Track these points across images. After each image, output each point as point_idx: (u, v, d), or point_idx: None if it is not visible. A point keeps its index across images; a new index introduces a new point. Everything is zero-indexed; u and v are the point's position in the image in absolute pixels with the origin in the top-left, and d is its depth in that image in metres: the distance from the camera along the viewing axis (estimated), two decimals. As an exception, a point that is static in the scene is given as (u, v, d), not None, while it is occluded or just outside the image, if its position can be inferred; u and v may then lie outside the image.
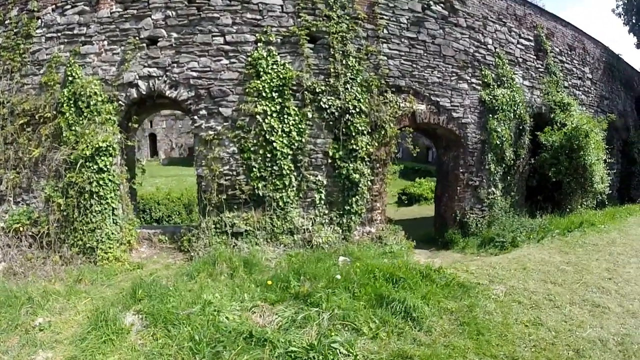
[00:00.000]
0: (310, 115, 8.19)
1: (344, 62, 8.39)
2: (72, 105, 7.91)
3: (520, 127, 10.87)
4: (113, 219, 7.94)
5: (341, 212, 8.56)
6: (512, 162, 10.70)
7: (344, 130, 8.39)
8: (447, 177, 10.66)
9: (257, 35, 8.06)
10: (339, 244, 8.29)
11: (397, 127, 9.01)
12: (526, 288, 5.50)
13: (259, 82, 7.95)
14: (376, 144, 8.70)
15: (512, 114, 10.56)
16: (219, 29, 8.01)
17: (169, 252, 8.31)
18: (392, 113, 8.83)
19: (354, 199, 8.57)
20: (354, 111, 8.41)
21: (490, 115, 10.24)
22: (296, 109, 8.13)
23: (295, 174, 8.20)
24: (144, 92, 8.09)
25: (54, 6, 8.27)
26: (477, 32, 10.02)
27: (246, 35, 8.06)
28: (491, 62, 10.36)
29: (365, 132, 8.55)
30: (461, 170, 10.21)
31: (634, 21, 24.88)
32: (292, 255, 7.62)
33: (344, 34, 8.40)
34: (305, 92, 8.16)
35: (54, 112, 7.99)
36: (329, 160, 8.40)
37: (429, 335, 4.39)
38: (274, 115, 8.00)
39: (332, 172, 8.46)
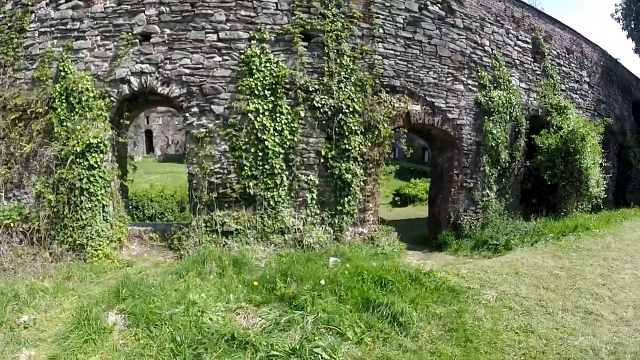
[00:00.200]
0: (302, 114, 7.97)
1: (338, 61, 8.16)
2: (64, 100, 7.72)
3: (516, 130, 10.64)
4: (103, 215, 7.75)
5: (333, 212, 8.33)
6: (507, 164, 10.46)
7: (337, 129, 8.17)
8: (441, 178, 10.42)
9: (250, 32, 7.85)
10: (331, 244, 8.06)
11: (391, 128, 8.78)
12: (518, 293, 5.27)
13: (251, 79, 7.73)
14: (369, 144, 8.47)
15: (508, 116, 10.32)
16: (213, 25, 7.80)
17: (160, 250, 8.11)
18: (386, 113, 8.60)
19: (346, 199, 8.34)
20: (347, 110, 8.18)
21: (486, 117, 10.00)
22: (289, 107, 7.92)
23: (286, 173, 7.98)
24: (136, 89, 7.88)
25: (48, 0, 8.07)
26: (474, 33, 9.78)
27: (240, 32, 7.84)
28: (488, 64, 10.12)
29: (358, 132, 8.32)
30: (455, 172, 9.97)
31: (632, 26, 24.60)
32: (282, 255, 7.41)
33: (339, 32, 8.18)
34: (298, 91, 7.94)
35: (46, 108, 7.81)
36: (321, 160, 8.18)
37: (415, 342, 4.17)
38: (266, 113, 7.78)
39: (324, 171, 8.24)
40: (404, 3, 8.77)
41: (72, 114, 7.67)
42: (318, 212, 8.28)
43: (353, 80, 8.30)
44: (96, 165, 7.59)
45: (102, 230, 7.65)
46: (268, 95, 7.80)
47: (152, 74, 7.85)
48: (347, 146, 8.23)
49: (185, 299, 4.87)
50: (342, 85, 8.19)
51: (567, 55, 12.46)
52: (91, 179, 7.55)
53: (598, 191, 10.55)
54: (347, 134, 8.22)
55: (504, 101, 10.19)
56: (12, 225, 7.62)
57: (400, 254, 8.48)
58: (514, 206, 10.78)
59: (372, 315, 4.37)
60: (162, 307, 4.72)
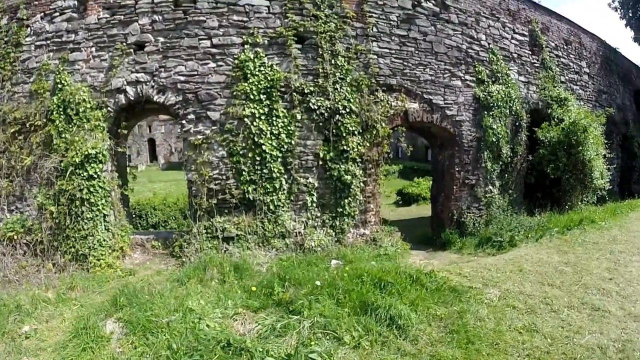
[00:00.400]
0: (299, 116, 7.86)
1: (332, 61, 8.05)
2: (62, 112, 7.72)
3: (517, 124, 10.43)
4: (105, 225, 7.72)
5: (334, 215, 8.21)
6: (509, 159, 10.25)
7: (334, 131, 8.05)
8: (443, 176, 10.24)
9: (243, 37, 7.77)
10: (332, 247, 7.93)
11: (390, 127, 8.64)
12: (522, 291, 5.09)
13: (246, 84, 7.65)
14: (368, 145, 8.34)
15: (507, 111, 10.12)
16: (206, 32, 7.74)
17: (162, 258, 8.05)
18: (384, 112, 8.46)
19: (346, 200, 8.20)
20: (344, 111, 8.06)
21: (486, 112, 9.81)
22: (285, 110, 7.82)
23: (285, 176, 7.87)
24: (132, 98, 7.84)
25: (42, 14, 8.08)
26: (469, 28, 9.61)
27: (233, 37, 7.77)
28: (485, 58, 9.93)
29: (356, 132, 8.19)
30: (457, 169, 9.78)
31: (630, 15, 24.17)
32: (284, 260, 7.28)
33: (333, 33, 8.06)
34: (294, 94, 7.84)
35: (45, 120, 7.81)
36: (320, 162, 8.06)
37: (414, 345, 4.02)
38: (263, 117, 7.69)
39: (323, 173, 8.12)
40: (397, 1, 8.65)
41: (70, 126, 7.66)
42: (319, 214, 8.16)
43: (349, 81, 8.18)
44: (95, 176, 7.57)
45: (104, 240, 7.62)
46: (263, 100, 7.71)
47: (148, 83, 7.81)
48: (345, 147, 8.11)
49: (182, 306, 4.81)
50: (337, 86, 8.07)
51: (565, 47, 12.22)
52: (91, 189, 7.53)
53: (602, 183, 10.30)
54: (344, 135, 8.10)
55: (503, 95, 9.99)
56: (15, 237, 7.63)
57: (404, 254, 8.34)
58: (518, 201, 10.56)
59: (370, 319, 4.22)
60: (159, 314, 4.67)
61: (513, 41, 10.56)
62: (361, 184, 8.35)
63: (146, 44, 7.80)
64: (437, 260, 8.35)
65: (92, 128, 7.71)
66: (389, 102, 8.60)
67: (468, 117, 9.73)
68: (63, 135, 7.63)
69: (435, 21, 9.11)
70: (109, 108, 7.85)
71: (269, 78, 7.72)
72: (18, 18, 8.05)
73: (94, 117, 7.73)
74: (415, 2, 8.85)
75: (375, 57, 8.47)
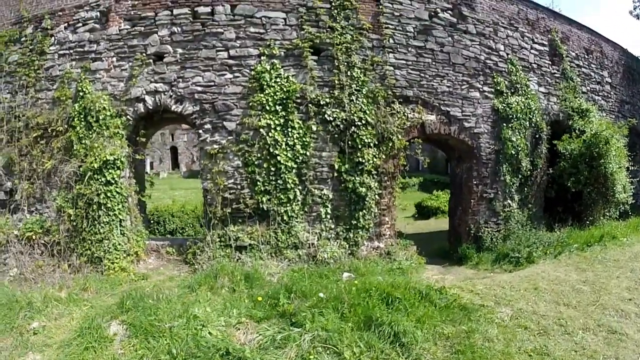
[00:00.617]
0: (314, 128, 8.09)
1: (348, 73, 8.26)
2: (83, 119, 8.14)
3: (537, 136, 10.42)
4: (120, 230, 8.09)
5: (348, 227, 8.38)
6: (528, 172, 10.24)
7: (349, 142, 8.24)
8: (460, 189, 10.30)
9: (260, 49, 8.07)
10: (345, 259, 8.10)
11: (406, 139, 8.79)
12: (535, 311, 5.15)
13: (262, 95, 7.92)
14: (384, 157, 8.49)
15: (527, 122, 10.14)
16: (223, 43, 8.06)
17: (176, 264, 8.36)
18: (400, 124, 8.61)
19: (360, 213, 8.36)
20: (359, 123, 8.25)
21: (504, 124, 9.85)
22: (300, 122, 8.05)
23: (300, 187, 8.09)
24: (151, 107, 8.20)
25: (66, 24, 8.55)
26: (487, 39, 9.71)
27: (250, 49, 8.07)
28: (504, 69, 10.00)
29: (371, 144, 8.36)
30: (475, 182, 9.83)
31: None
32: (295, 271, 7.48)
33: (349, 45, 8.28)
34: (310, 105, 8.07)
35: (66, 126, 8.28)
36: (335, 174, 8.26)
37: (416, 364, 4.12)
38: (278, 128, 7.95)
39: (338, 185, 8.30)
40: (413, 12, 8.81)
41: (90, 132, 8.07)
42: (332, 226, 8.34)
43: (365, 92, 8.37)
44: (113, 181, 7.96)
45: (119, 244, 7.99)
46: (279, 110, 7.96)
47: (166, 93, 8.16)
48: (360, 159, 8.28)
49: (187, 313, 5.02)
50: (353, 97, 8.27)
51: (586, 56, 12.19)
52: (108, 194, 7.93)
53: (625, 197, 10.21)
54: (360, 146, 8.28)
55: (523, 107, 10.02)
56: (34, 237, 8.11)
57: (418, 269, 8.42)
58: (537, 216, 10.52)
59: (373, 335, 4.34)
60: (163, 319, 4.89)
61: (532, 51, 10.61)
62: (376, 196, 8.49)
63: (165, 55, 8.16)
64: (452, 275, 8.40)
65: (111, 135, 8.10)
66: (406, 113, 8.74)
67: (486, 129, 9.78)
68: (83, 141, 8.06)
69: (453, 32, 9.25)
70: (128, 116, 8.22)
71: (284, 89, 7.98)
72: (43, 28, 8.54)
73: (113, 124, 8.12)
74: (432, 13, 9.00)
75: (392, 68, 8.65)
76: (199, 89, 8.08)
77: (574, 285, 5.97)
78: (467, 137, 9.57)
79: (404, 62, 8.78)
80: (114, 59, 8.32)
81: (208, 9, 8.09)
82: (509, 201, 10.03)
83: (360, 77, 8.33)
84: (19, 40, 8.68)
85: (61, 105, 8.34)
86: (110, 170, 7.91)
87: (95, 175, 7.87)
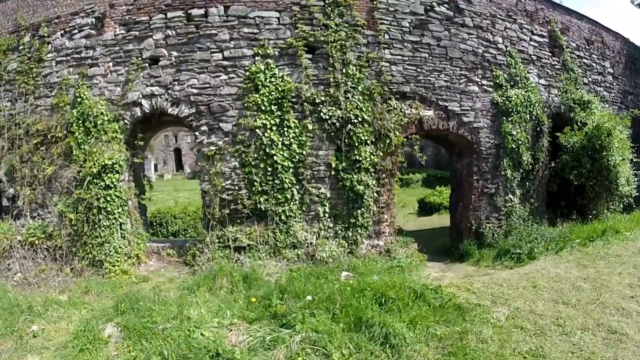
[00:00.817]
0: (310, 126, 7.97)
1: (344, 70, 8.11)
2: (81, 125, 8.15)
3: (538, 129, 10.16)
4: (121, 233, 8.10)
5: (346, 225, 8.26)
6: (530, 166, 9.99)
7: (346, 140, 8.11)
8: (461, 185, 10.10)
9: (254, 49, 7.96)
10: (344, 258, 7.98)
11: (403, 136, 8.60)
12: (533, 310, 4.98)
13: (257, 96, 7.82)
14: (381, 154, 8.34)
15: (528, 116, 9.88)
16: (217, 45, 7.97)
17: (176, 266, 8.35)
18: (397, 121, 8.44)
19: (359, 211, 8.24)
20: (356, 121, 8.10)
21: (504, 118, 9.61)
22: (296, 121, 7.95)
23: (297, 187, 7.99)
24: (148, 111, 8.16)
25: (62, 31, 8.53)
26: (485, 32, 9.46)
27: (244, 49, 7.97)
28: (502, 62, 9.74)
29: (368, 141, 8.22)
30: (475, 178, 9.62)
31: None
32: (294, 270, 7.36)
33: (343, 42, 8.13)
34: (305, 104, 7.95)
35: (65, 132, 8.29)
36: (332, 172, 8.14)
37: (406, 366, 3.99)
38: (274, 128, 7.85)
39: (335, 184, 8.18)
40: (408, 6, 8.62)
41: (89, 137, 8.08)
42: (331, 225, 8.23)
43: (360, 90, 8.22)
44: (112, 185, 7.95)
45: (120, 247, 8.01)
46: (275, 110, 7.86)
47: (162, 96, 8.11)
48: (357, 157, 8.15)
49: (181, 314, 4.98)
50: (349, 95, 8.12)
51: (587, 47, 11.84)
52: (108, 198, 7.94)
53: (629, 189, 9.91)
54: (357, 144, 8.14)
55: (523, 100, 9.76)
56: (36, 242, 8.18)
57: (419, 266, 8.27)
58: (540, 211, 10.27)
59: (363, 336, 4.22)
60: (157, 321, 4.86)
61: (532, 43, 10.32)
62: (374, 194, 8.36)
63: (160, 58, 8.10)
64: (453, 272, 8.24)
65: (109, 140, 8.08)
66: (403, 110, 8.57)
67: (486, 124, 9.56)
68: (82, 147, 8.06)
69: (449, 25, 9.03)
70: (125, 120, 8.19)
71: (280, 89, 7.86)
72: (40, 35, 8.55)
73: (111, 129, 8.10)
74: (428, 7, 8.79)
75: (388, 64, 8.47)
76: (195, 91, 8.00)
77: (574, 283, 5.77)
78: (467, 132, 9.35)
79: (400, 57, 8.60)
80: (110, 64, 8.28)
81: (202, 11, 8.00)
82: (511, 196, 9.80)
83: (355, 74, 8.17)
84: (17, 49, 8.71)
85: (60, 111, 8.35)
86: (109, 175, 7.91)
87: (95, 180, 7.87)
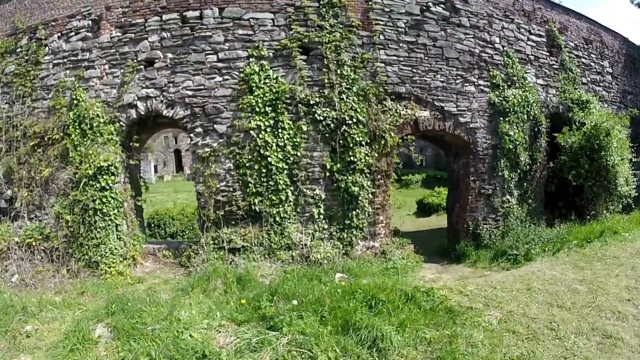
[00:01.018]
0: (305, 128, 7.86)
1: (338, 71, 7.99)
2: (77, 127, 8.10)
3: (536, 129, 9.97)
4: (117, 234, 8.05)
5: (341, 227, 8.13)
6: (527, 167, 9.80)
7: (340, 142, 7.98)
8: (458, 186, 9.93)
9: (249, 50, 7.87)
10: (339, 259, 7.86)
11: (399, 136, 8.46)
12: (526, 313, 4.83)
13: (251, 97, 7.73)
14: (376, 155, 8.20)
15: (525, 116, 9.69)
16: (212, 47, 7.89)
17: (172, 267, 8.27)
18: (392, 122, 8.31)
19: (354, 212, 8.10)
20: (350, 122, 7.97)
21: (501, 118, 9.43)
22: (290, 122, 7.84)
23: (291, 188, 7.88)
24: (143, 113, 8.10)
25: (59, 34, 8.49)
26: (482, 31, 9.29)
27: (238, 51, 7.87)
28: (499, 62, 9.57)
29: (363, 142, 8.08)
30: (472, 178, 9.45)
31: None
32: (288, 272, 7.25)
33: (338, 43, 8.01)
34: (299, 105, 7.85)
35: (62, 134, 8.24)
36: (327, 174, 8.03)
37: (392, 371, 3.86)
38: (268, 130, 7.74)
39: (330, 185, 8.06)
40: (404, 7, 8.48)
41: (85, 139, 8.03)
42: (326, 226, 8.10)
43: (355, 90, 8.09)
44: (108, 187, 7.90)
45: (116, 249, 7.95)
46: (269, 112, 7.75)
47: (157, 98, 8.03)
48: (352, 158, 8.02)
49: (171, 316, 4.94)
50: (343, 96, 8.00)
51: (585, 46, 11.61)
52: (103, 199, 7.89)
53: (628, 190, 9.69)
54: (351, 145, 8.01)
55: (520, 100, 9.58)
56: (34, 243, 8.12)
57: (415, 268, 8.14)
58: (538, 212, 10.07)
59: (351, 339, 4.11)
60: (147, 322, 4.84)
61: (529, 43, 10.12)
62: (370, 195, 8.22)
63: (155, 61, 8.03)
64: (449, 274, 8.09)
65: (105, 142, 8.02)
66: (398, 110, 8.43)
67: (483, 124, 9.39)
68: (78, 149, 8.01)
69: (445, 25, 8.87)
70: (121, 122, 8.13)
71: (274, 90, 7.75)
72: (37, 38, 8.51)
73: (106, 131, 8.04)
74: (424, 7, 8.65)
75: (383, 65, 8.34)
76: (189, 93, 7.91)
77: (569, 285, 5.61)
78: (463, 133, 9.19)
79: (395, 58, 8.45)
80: (106, 66, 8.22)
81: (197, 13, 7.92)
82: (508, 197, 9.61)
83: (350, 75, 8.04)
84: (15, 51, 8.68)
85: (57, 113, 8.30)
86: (104, 176, 7.85)
87: (90, 182, 7.81)
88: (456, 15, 8.99)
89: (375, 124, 8.16)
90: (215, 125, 7.88)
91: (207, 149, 7.89)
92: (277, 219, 7.82)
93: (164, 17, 7.97)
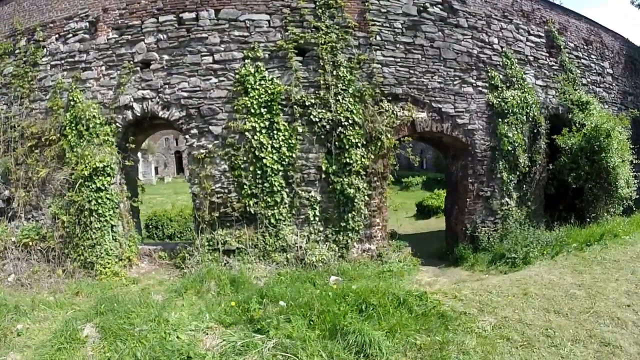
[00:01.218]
0: (300, 129, 7.71)
1: (334, 73, 7.83)
2: (74, 128, 8.03)
3: (535, 131, 9.73)
4: (112, 235, 7.96)
5: (337, 229, 7.96)
6: (527, 169, 9.55)
7: (336, 143, 7.82)
8: (456, 188, 9.72)
9: (244, 52, 7.75)
10: (334, 262, 7.69)
11: (395, 138, 8.28)
12: (522, 319, 4.62)
13: (247, 98, 7.60)
14: (372, 157, 8.03)
15: (524, 117, 9.46)
16: (208, 48, 7.78)
17: (167, 269, 8.15)
18: (389, 123, 8.13)
19: (350, 214, 7.93)
20: (346, 123, 7.81)
21: (500, 120, 9.21)
22: (286, 124, 7.69)
23: (287, 190, 7.72)
24: (139, 114, 8.00)
25: (57, 35, 8.42)
26: (480, 32, 9.09)
27: (234, 52, 7.75)
28: (498, 63, 9.35)
29: (359, 144, 7.91)
30: (470, 180, 9.23)
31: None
32: (282, 274, 7.10)
33: (334, 44, 7.86)
34: (295, 106, 7.70)
35: (58, 135, 8.18)
36: (323, 175, 7.86)
37: (380, 379, 3.68)
38: (263, 131, 7.60)
39: (326, 187, 7.90)
40: (401, 7, 8.30)
41: (81, 140, 7.96)
42: (321, 229, 7.93)
43: (351, 92, 7.93)
44: (103, 188, 7.81)
45: (111, 249, 7.86)
46: (264, 113, 7.62)
47: (153, 99, 7.93)
48: (348, 160, 7.85)
49: (160, 317, 4.85)
50: (339, 97, 7.84)
51: (585, 47, 11.35)
52: (99, 200, 7.80)
53: (629, 192, 9.41)
54: (347, 147, 7.85)
55: (519, 101, 9.35)
56: (30, 243, 8.04)
57: (411, 271, 7.95)
58: (537, 214, 9.82)
59: (338, 344, 3.95)
60: (135, 323, 4.77)
61: (528, 43, 9.90)
62: (366, 197, 8.05)
63: (152, 62, 7.93)
64: (446, 277, 7.89)
65: (101, 143, 7.94)
66: (395, 112, 8.25)
67: (481, 126, 9.17)
68: (75, 150, 7.94)
69: (443, 26, 8.68)
70: (117, 123, 8.03)
71: (269, 91, 7.61)
72: (35, 40, 8.44)
73: (103, 132, 7.95)
74: (421, 8, 8.47)
75: (379, 66, 8.17)
76: (185, 94, 7.80)
77: (567, 290, 5.39)
78: (461, 134, 8.98)
79: (392, 59, 8.28)
80: (103, 67, 8.13)
81: (193, 15, 7.81)
82: (507, 199, 9.37)
83: (346, 76, 7.88)
84: (13, 53, 8.62)
85: (54, 114, 8.22)
86: (100, 177, 7.76)
87: (86, 183, 7.73)
88: (454, 15, 8.79)
89: (372, 125, 7.99)
90: (210, 127, 7.75)
91: (202, 150, 7.75)
92: (272, 220, 7.66)
93: (161, 18, 7.87)
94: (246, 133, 7.56)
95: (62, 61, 8.30)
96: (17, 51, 8.55)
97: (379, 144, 8.03)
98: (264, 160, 7.55)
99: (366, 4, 8.09)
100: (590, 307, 4.88)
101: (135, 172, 9.12)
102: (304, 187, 7.82)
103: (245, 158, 7.63)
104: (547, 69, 10.22)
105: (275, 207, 7.67)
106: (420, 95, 8.53)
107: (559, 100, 10.38)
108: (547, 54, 10.25)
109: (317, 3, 7.86)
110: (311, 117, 7.73)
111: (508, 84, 9.42)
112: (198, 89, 7.77)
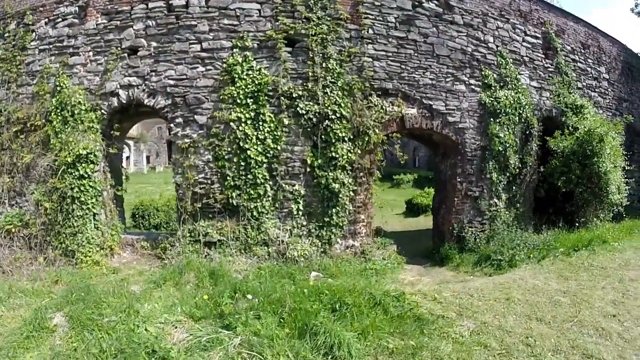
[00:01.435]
0: (286, 121, 7.27)
1: (323, 65, 7.39)
2: (59, 114, 7.64)
3: (527, 132, 9.27)
4: (94, 224, 7.56)
5: (320, 224, 7.54)
6: (517, 170, 9.10)
7: (322, 137, 7.38)
8: (444, 187, 9.29)
9: (233, 41, 7.31)
10: (317, 258, 7.28)
11: (384, 133, 7.84)
12: (501, 326, 4.22)
13: (233, 88, 7.17)
14: (359, 152, 7.60)
15: (517, 118, 9.00)
16: (196, 36, 7.35)
17: (149, 259, 7.76)
18: (378, 118, 7.69)
19: (334, 210, 7.51)
20: (333, 116, 7.37)
21: (492, 119, 8.76)
22: (272, 115, 7.25)
23: (270, 183, 7.30)
24: (125, 101, 7.60)
25: (47, 19, 8.02)
26: (475, 30, 8.62)
27: (222, 41, 7.32)
28: (492, 62, 8.89)
29: (346, 138, 7.48)
30: (459, 180, 8.80)
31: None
32: (262, 268, 6.70)
33: (325, 35, 7.41)
34: (282, 98, 7.26)
35: (44, 121, 7.77)
36: (307, 169, 7.43)
37: (350, 384, 3.29)
38: (249, 122, 7.18)
39: (310, 181, 7.47)
40: (395, 1, 7.87)
41: (66, 127, 7.55)
42: (305, 223, 7.52)
43: (340, 85, 7.49)
44: (86, 175, 7.42)
45: (93, 238, 7.47)
46: (250, 104, 7.19)
47: (139, 87, 7.52)
48: (334, 154, 7.42)
49: (131, 308, 4.67)
50: (327, 90, 7.40)
51: (582, 51, 10.85)
52: (82, 188, 7.41)
53: (619, 198, 8.93)
54: (333, 141, 7.41)
55: (512, 101, 8.89)
56: (13, 230, 7.64)
57: (395, 269, 7.55)
58: (526, 217, 9.38)
59: (306, 345, 3.60)
60: (105, 314, 4.60)
61: (524, 44, 9.42)
62: (351, 192, 7.62)
63: (139, 49, 7.52)
64: (430, 277, 7.48)
65: (86, 129, 7.55)
66: (384, 107, 7.81)
67: (472, 124, 8.73)
68: (59, 136, 7.55)
69: (438, 22, 8.22)
70: (102, 110, 7.64)
71: (256, 82, 7.19)
72: (24, 23, 8.04)
73: (87, 119, 7.56)
74: (416, 3, 8.01)
75: (370, 60, 7.73)
76: (171, 82, 7.38)
77: (552, 297, 4.98)
78: (451, 132, 8.54)
79: (383, 53, 7.83)
80: (91, 53, 7.72)
81: (182, 2, 7.39)
82: (496, 200, 8.93)
83: (335, 68, 7.44)
84: (2, 36, 8.21)
85: (40, 100, 7.82)
86: (83, 164, 7.37)
87: (69, 169, 7.34)
88: (450, 12, 8.33)
89: (360, 119, 7.55)
90: (195, 116, 7.34)
91: (186, 140, 7.35)
92: (255, 213, 7.26)
93: (150, 4, 7.44)
94: (231, 123, 7.15)
95: (51, 46, 7.89)
96: (6, 35, 8.13)
97: (367, 139, 7.61)
98: (248, 152, 7.14)
99: (360, -4, 7.64)
100: (575, 316, 4.48)
101: (120, 160, 8.72)
102: (288, 180, 7.40)
103: (229, 149, 7.22)
104: (542, 70, 9.73)
105: (258, 200, 7.26)
106: (411, 91, 8.09)
107: (553, 103, 9.89)
108: (543, 56, 9.75)
109: (310, -7, 7.43)
110: (298, 109, 7.30)
111: (502, 84, 8.95)
112: (184, 77, 7.34)
